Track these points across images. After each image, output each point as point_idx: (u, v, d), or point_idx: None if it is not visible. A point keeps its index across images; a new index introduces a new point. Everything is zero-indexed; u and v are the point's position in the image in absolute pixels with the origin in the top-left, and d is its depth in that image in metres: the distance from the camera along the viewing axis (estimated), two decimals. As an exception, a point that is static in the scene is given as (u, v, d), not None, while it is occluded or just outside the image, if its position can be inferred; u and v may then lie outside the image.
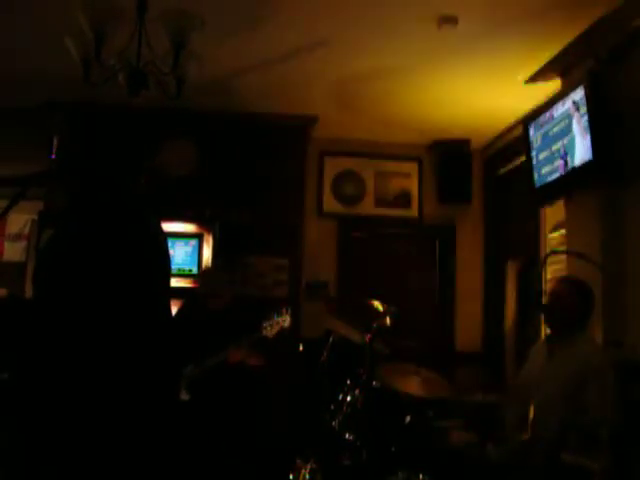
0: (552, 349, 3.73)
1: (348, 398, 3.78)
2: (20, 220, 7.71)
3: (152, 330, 2.34)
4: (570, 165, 4.49)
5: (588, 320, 3.67)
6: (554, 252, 5.16)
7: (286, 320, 4.32)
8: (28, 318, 2.27)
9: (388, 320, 4.07)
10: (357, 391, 3.79)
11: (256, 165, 6.43)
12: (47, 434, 2.18)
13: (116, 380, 2.23)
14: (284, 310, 4.39)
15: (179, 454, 2.58)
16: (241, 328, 4.42)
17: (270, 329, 4.30)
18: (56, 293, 2.27)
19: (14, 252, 7.75)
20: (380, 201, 7.05)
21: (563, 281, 3.95)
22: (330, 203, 6.98)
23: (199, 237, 6.73)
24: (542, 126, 4.87)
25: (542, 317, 5.29)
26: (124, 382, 2.24)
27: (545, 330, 3.92)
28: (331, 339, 4.33)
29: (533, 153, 5.03)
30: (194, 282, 5.90)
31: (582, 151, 4.31)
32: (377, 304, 4.17)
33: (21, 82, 5.52)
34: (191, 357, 4.25)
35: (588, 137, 4.22)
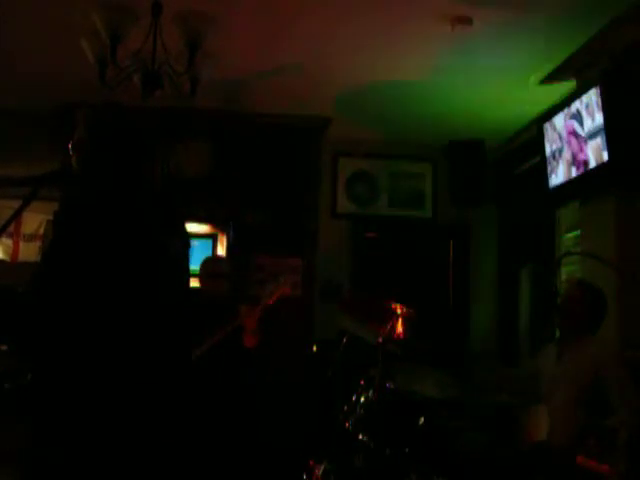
0: (562, 352, 3.71)
1: (362, 399, 3.77)
2: (35, 220, 7.74)
3: (171, 333, 2.36)
4: (585, 167, 4.46)
5: (599, 324, 3.66)
6: (569, 253, 5.13)
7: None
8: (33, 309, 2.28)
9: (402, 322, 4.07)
10: (371, 392, 3.78)
11: (270, 166, 6.44)
12: (62, 422, 2.20)
13: (128, 375, 2.24)
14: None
15: (189, 452, 2.58)
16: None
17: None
18: (67, 292, 2.27)
19: (29, 252, 7.79)
20: (394, 202, 7.05)
21: (576, 284, 3.93)
22: (344, 204, 6.98)
23: (213, 237, 6.75)
24: (556, 127, 4.84)
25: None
26: (136, 376, 2.25)
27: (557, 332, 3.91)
28: (345, 339, 4.34)
29: (547, 154, 4.99)
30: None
31: (597, 153, 4.28)
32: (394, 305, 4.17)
33: (37, 84, 5.55)
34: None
35: (603, 138, 4.19)
